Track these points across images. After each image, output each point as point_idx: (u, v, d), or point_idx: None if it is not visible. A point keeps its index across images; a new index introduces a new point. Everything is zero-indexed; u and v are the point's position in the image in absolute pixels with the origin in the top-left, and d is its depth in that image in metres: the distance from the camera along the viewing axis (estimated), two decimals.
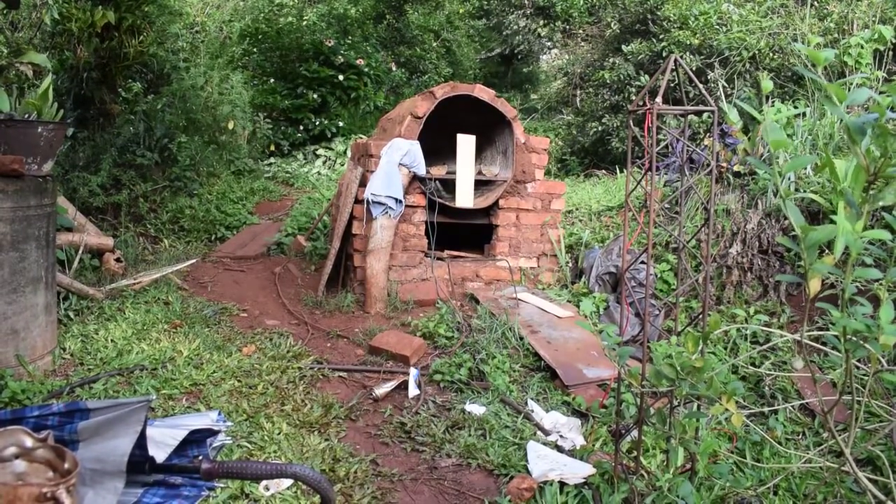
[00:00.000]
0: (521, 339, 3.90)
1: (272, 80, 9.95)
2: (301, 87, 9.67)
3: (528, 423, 3.09)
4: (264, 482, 2.41)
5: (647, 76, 8.32)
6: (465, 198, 4.83)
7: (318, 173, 8.94)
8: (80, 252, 4.52)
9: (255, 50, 10.45)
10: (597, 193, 6.39)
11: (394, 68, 11.51)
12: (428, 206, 4.77)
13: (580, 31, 10.82)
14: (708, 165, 4.95)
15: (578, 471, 2.58)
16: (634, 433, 2.62)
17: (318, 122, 9.54)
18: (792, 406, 3.21)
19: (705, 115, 6.67)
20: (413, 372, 3.44)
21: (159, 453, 2.31)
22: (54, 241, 3.43)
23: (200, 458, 2.36)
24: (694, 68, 7.57)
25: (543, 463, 2.66)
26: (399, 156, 4.54)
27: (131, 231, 5.96)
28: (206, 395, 3.08)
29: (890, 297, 1.56)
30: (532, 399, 3.35)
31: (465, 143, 4.80)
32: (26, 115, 3.59)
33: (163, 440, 2.39)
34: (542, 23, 10.82)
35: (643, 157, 7.05)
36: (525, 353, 3.82)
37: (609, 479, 2.50)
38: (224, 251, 5.81)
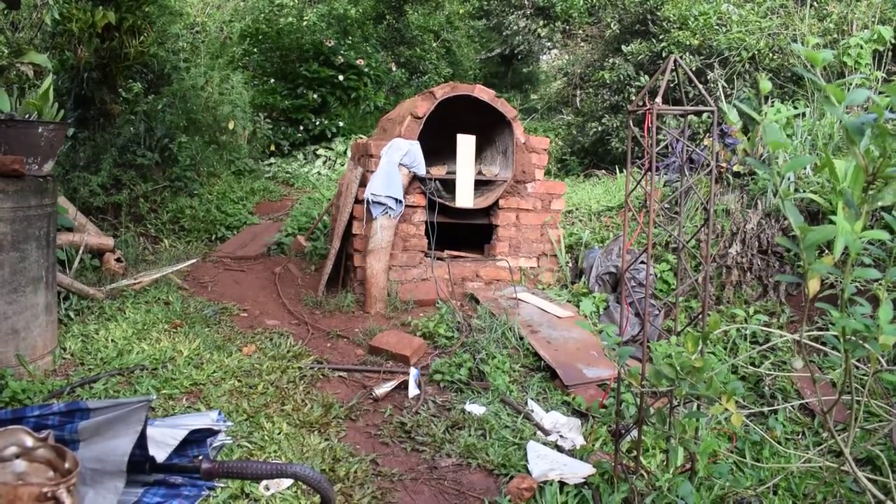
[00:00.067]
0: (521, 339, 3.90)
1: (272, 81, 9.96)
2: (301, 87, 9.68)
3: (528, 423, 3.10)
4: (264, 482, 2.42)
5: (646, 76, 8.32)
6: (465, 198, 4.83)
7: (318, 173, 8.95)
8: (81, 252, 4.52)
9: (255, 50, 10.45)
10: (597, 193, 6.40)
11: (394, 68, 11.51)
12: (428, 206, 4.78)
13: (580, 32, 10.83)
14: (708, 165, 4.95)
15: (578, 471, 2.58)
16: (634, 433, 2.62)
17: (318, 123, 9.55)
18: (791, 406, 3.21)
19: (705, 116, 6.68)
20: (413, 372, 3.44)
21: (159, 453, 2.31)
22: (55, 241, 3.43)
23: (201, 457, 2.37)
24: (694, 69, 7.57)
25: (543, 463, 2.66)
26: (399, 156, 4.54)
27: (132, 231, 5.96)
28: (207, 394, 3.08)
29: (889, 297, 1.56)
30: (532, 399, 3.35)
31: (465, 143, 4.81)
32: (27, 116, 3.60)
33: (163, 440, 2.39)
34: (542, 23, 10.83)
35: (643, 157, 7.05)
36: (525, 353, 3.82)
37: (609, 478, 2.50)
38: (224, 251, 5.81)
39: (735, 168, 4.99)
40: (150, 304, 4.19)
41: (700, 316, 2.54)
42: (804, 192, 4.13)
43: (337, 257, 4.81)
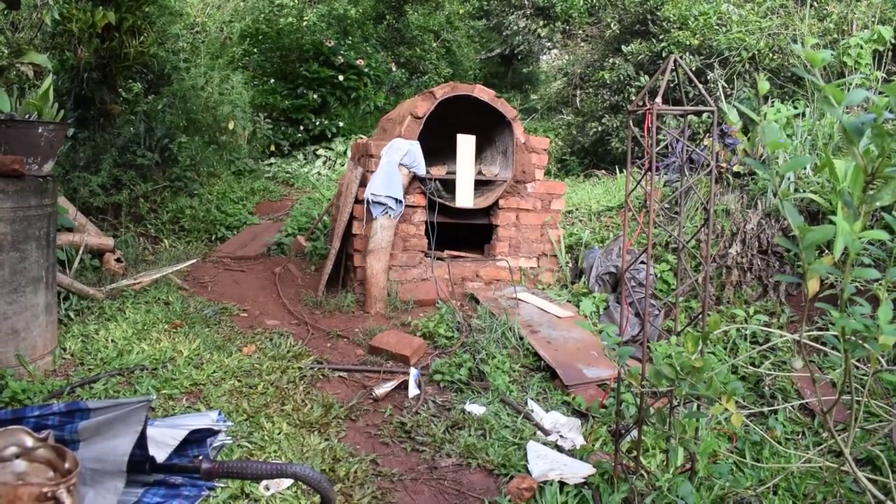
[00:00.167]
0: (521, 339, 3.90)
1: (272, 81, 9.96)
2: (301, 87, 9.68)
3: (527, 423, 3.10)
4: (264, 482, 2.42)
5: (646, 76, 8.32)
6: (465, 198, 4.84)
7: (319, 173, 8.95)
8: (81, 252, 4.52)
9: (255, 50, 10.46)
10: (597, 193, 6.40)
11: (394, 68, 11.52)
12: (428, 206, 4.78)
13: (580, 32, 10.83)
14: (708, 165, 4.96)
15: (578, 471, 2.58)
16: (634, 433, 2.62)
17: (318, 123, 9.56)
18: (791, 406, 3.21)
19: (705, 116, 6.68)
20: (413, 372, 3.44)
21: (159, 453, 2.31)
22: (55, 241, 3.43)
23: (201, 457, 2.37)
24: (693, 69, 7.57)
25: (543, 463, 2.66)
26: (399, 156, 4.54)
27: (132, 231, 5.96)
28: (207, 394, 3.09)
29: (889, 297, 1.56)
30: (532, 399, 3.36)
31: (465, 143, 4.81)
32: (27, 116, 3.60)
33: (163, 440, 2.39)
34: (541, 23, 10.83)
35: (643, 157, 7.05)
36: (525, 353, 3.82)
37: (609, 478, 2.50)
38: (224, 251, 5.81)
39: (735, 168, 4.99)
40: (150, 305, 4.19)
41: (700, 316, 2.54)
42: (804, 192, 4.13)
43: (337, 257, 4.81)
